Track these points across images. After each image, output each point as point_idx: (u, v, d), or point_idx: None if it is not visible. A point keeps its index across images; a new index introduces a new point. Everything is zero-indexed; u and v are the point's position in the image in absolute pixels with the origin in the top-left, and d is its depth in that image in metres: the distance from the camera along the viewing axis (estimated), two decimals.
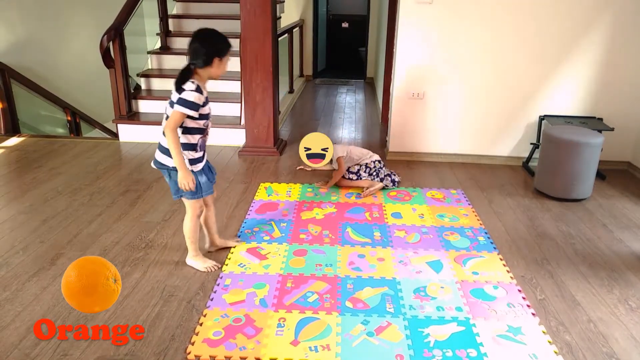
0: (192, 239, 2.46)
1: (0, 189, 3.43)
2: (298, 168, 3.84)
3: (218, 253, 2.65)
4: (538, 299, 2.31)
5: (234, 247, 2.69)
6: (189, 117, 2.16)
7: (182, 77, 2.16)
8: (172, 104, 2.17)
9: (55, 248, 2.66)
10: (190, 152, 2.26)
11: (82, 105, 5.58)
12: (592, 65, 3.83)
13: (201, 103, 2.16)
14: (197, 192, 2.33)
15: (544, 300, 2.31)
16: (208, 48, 2.15)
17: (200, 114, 2.19)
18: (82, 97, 5.56)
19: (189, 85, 2.13)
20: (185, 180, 2.20)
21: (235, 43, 4.78)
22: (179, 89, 2.15)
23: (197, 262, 2.50)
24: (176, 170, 2.22)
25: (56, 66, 5.37)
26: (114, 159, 4.08)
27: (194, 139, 2.25)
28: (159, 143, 2.29)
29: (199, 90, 2.14)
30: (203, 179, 2.34)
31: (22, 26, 5.10)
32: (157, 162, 2.31)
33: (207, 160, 2.43)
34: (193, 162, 2.28)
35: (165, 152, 2.24)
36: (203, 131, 2.28)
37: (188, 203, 2.38)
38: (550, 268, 2.58)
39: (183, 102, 2.12)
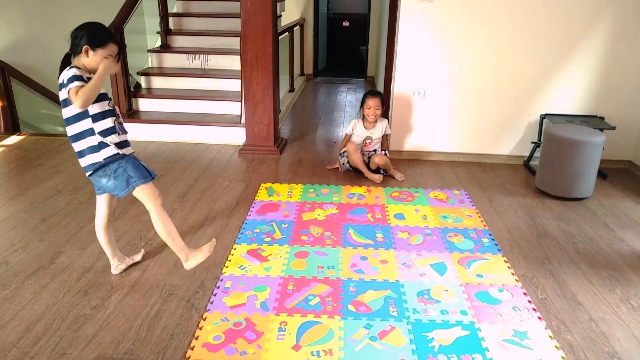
0: (173, 234, 2.27)
1: (0, 187, 3.44)
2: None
3: (217, 253, 2.63)
4: (539, 298, 2.30)
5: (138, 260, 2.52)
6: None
7: (61, 66, 2.07)
8: (64, 103, 2.04)
9: (55, 246, 2.66)
10: (111, 136, 2.11)
11: None
12: (594, 63, 3.82)
13: (85, 78, 2.00)
14: (147, 176, 2.21)
15: (545, 299, 2.30)
16: (81, 35, 2.02)
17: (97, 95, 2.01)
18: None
19: (64, 72, 2.00)
20: (105, 63, 2.01)
21: (235, 41, 4.81)
22: (60, 84, 2.02)
23: (195, 257, 2.33)
24: (115, 161, 2.12)
25: (56, 65, 5.35)
26: None
27: (108, 122, 2.10)
28: (78, 152, 2.13)
29: (74, 69, 1.99)
30: (139, 161, 2.21)
31: (23, 24, 5.10)
32: (92, 166, 2.12)
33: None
34: (120, 145, 2.14)
35: (93, 150, 2.10)
36: (113, 112, 2.13)
37: (145, 194, 2.20)
38: (552, 267, 2.57)
39: (69, 80, 1.95)
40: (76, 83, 1.95)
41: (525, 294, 2.32)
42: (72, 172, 3.69)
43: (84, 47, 2.01)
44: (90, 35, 2.03)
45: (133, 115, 4.63)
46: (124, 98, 4.52)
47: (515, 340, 2.01)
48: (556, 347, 1.98)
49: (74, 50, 2.05)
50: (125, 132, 2.21)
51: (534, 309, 2.21)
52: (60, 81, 2.02)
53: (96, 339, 1.97)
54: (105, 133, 2.10)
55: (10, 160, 3.97)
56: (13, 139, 4.49)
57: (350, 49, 8.96)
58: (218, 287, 2.33)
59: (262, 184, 3.54)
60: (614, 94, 3.88)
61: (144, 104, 4.81)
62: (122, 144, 2.17)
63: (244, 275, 2.43)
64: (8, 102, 4.77)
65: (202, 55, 5.16)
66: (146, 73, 5.01)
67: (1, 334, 1.98)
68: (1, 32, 4.93)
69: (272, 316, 2.13)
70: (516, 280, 2.43)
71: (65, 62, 2.09)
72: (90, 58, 2.03)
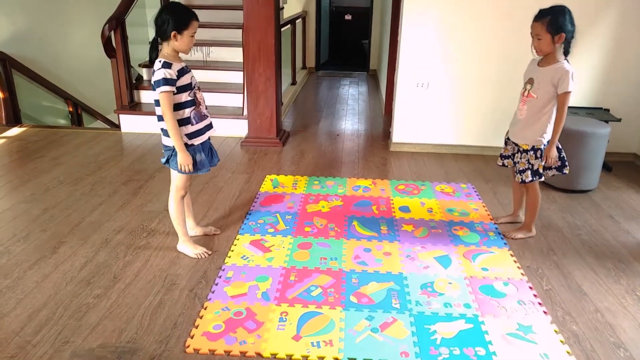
0: (179, 221, 2.45)
1: (1, 179, 3.41)
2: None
3: (220, 244, 2.63)
4: (544, 289, 2.28)
5: (213, 234, 2.71)
6: (174, 93, 2.18)
7: (151, 52, 2.22)
8: (153, 88, 2.18)
9: (57, 237, 2.64)
10: (186, 126, 2.25)
11: (83, 97, 5.54)
12: (599, 55, 3.79)
13: (174, 77, 2.15)
14: (194, 170, 2.34)
15: (550, 290, 2.28)
16: (167, 21, 2.13)
17: (178, 87, 2.18)
18: (84, 88, 5.53)
19: (155, 65, 2.17)
20: (184, 162, 2.24)
21: (238, 33, 4.78)
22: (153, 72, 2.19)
23: (187, 247, 2.50)
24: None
25: (58, 57, 5.33)
26: (116, 149, 4.06)
27: (185, 113, 2.24)
28: (161, 130, 2.29)
29: (165, 65, 2.14)
30: (200, 156, 2.33)
31: (24, 16, 5.06)
32: (164, 146, 2.33)
33: (210, 144, 2.44)
34: (191, 136, 2.28)
35: (165, 133, 2.27)
36: (193, 103, 2.26)
37: (176, 180, 2.37)
38: (556, 258, 2.55)
39: (156, 84, 2.13)
40: (163, 88, 2.12)
41: (531, 287, 2.29)
42: (74, 164, 3.67)
43: (172, 34, 2.13)
44: (175, 20, 2.12)
45: (135, 107, 4.61)
46: (126, 90, 4.50)
47: (519, 334, 1.99)
48: (561, 341, 1.95)
49: (162, 36, 2.16)
50: (201, 120, 2.31)
51: (540, 304, 2.18)
52: (152, 73, 2.18)
53: (99, 327, 1.96)
54: (181, 122, 2.23)
55: (11, 152, 3.96)
56: (14, 131, 4.47)
57: (353, 42, 8.92)
58: (220, 277, 2.32)
59: (267, 176, 3.52)
60: (620, 86, 3.85)
61: (146, 96, 4.78)
62: (194, 134, 2.28)
63: (246, 266, 2.42)
64: (9, 94, 4.74)
65: (204, 47, 5.13)
66: (148, 65, 4.97)
67: (4, 323, 1.97)
68: (2, 23, 4.89)
69: (273, 306, 2.12)
70: (522, 274, 2.41)
71: (154, 44, 2.22)
72: (179, 41, 2.16)
